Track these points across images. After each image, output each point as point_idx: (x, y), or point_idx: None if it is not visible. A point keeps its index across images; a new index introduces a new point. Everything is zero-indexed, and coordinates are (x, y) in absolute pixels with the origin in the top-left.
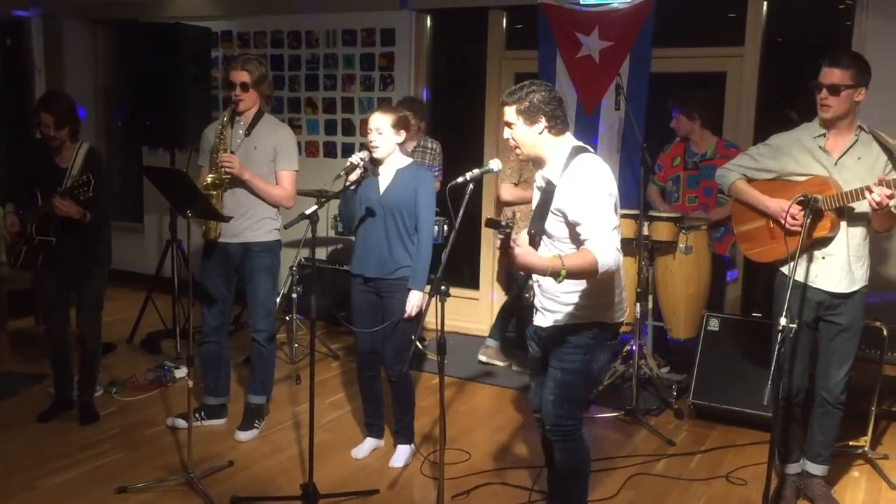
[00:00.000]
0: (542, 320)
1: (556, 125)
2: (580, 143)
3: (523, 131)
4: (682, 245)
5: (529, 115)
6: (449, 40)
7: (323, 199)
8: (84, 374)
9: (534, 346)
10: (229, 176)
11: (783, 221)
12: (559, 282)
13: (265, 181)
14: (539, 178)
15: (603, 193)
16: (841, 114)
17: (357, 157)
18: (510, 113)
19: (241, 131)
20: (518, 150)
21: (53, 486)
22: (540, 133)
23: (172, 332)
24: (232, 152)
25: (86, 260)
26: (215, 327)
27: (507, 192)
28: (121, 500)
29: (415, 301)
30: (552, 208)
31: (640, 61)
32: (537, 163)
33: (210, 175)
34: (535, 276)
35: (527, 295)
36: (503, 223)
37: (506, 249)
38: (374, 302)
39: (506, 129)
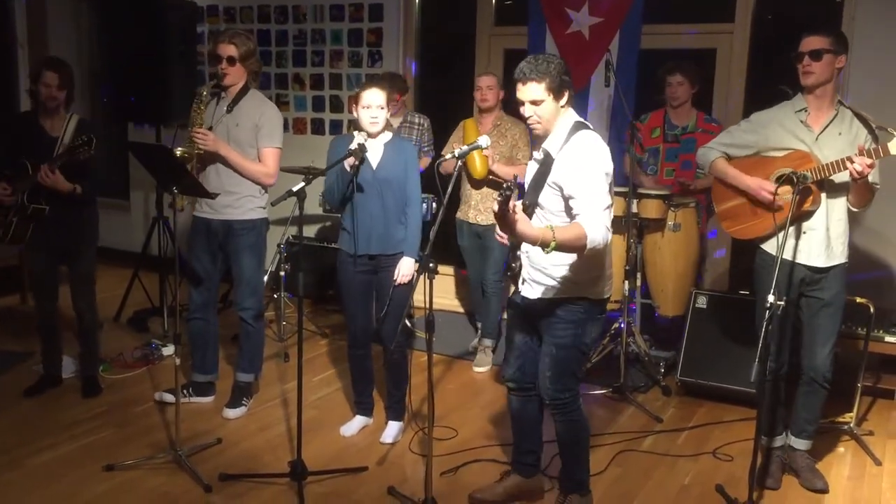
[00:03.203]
0: (529, 291)
1: (571, 97)
2: (581, 119)
3: (551, 107)
4: (670, 222)
5: (559, 91)
6: (437, 16)
7: (310, 177)
8: (85, 349)
9: (514, 317)
10: (201, 151)
11: (768, 198)
12: (547, 253)
13: (244, 157)
14: (538, 151)
15: (600, 171)
16: (823, 80)
17: (362, 138)
18: (538, 90)
19: (224, 107)
20: (537, 126)
21: (40, 464)
22: (562, 106)
23: (159, 309)
24: (210, 128)
25: (75, 234)
26: (201, 304)
27: (503, 170)
28: (108, 478)
29: (406, 267)
30: (549, 181)
31: (630, 37)
32: (545, 137)
33: (179, 148)
34: (524, 247)
35: (513, 265)
36: (505, 185)
37: (502, 212)
38: (368, 280)
39: (528, 106)
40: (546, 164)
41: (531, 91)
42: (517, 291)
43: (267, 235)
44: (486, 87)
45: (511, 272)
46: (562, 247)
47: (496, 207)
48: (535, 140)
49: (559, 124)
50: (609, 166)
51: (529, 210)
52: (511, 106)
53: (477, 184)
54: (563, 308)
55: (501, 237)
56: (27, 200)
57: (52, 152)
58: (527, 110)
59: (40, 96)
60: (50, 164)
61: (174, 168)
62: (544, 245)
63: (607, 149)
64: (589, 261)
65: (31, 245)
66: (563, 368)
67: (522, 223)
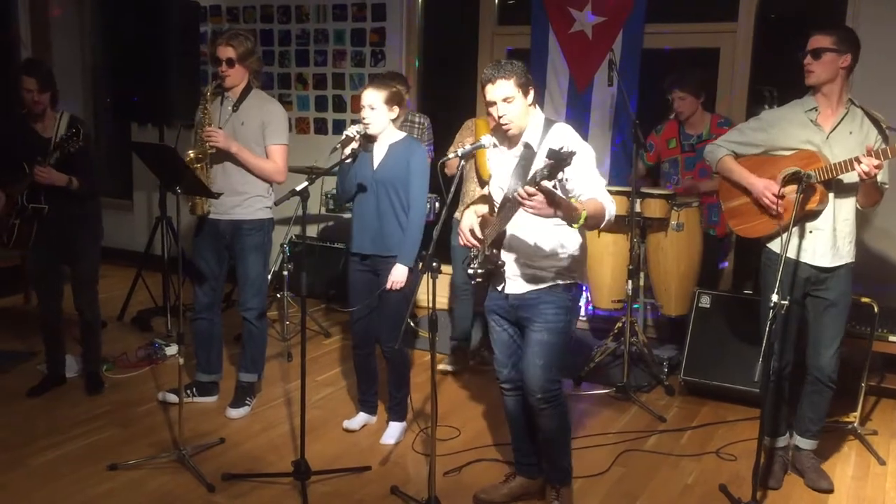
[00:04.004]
0: (516, 287)
1: (537, 93)
2: (548, 117)
3: (521, 104)
4: (673, 222)
5: (526, 87)
6: (440, 15)
7: (313, 176)
8: (87, 348)
9: (498, 319)
10: (213, 150)
11: (768, 204)
12: (576, 227)
13: (254, 155)
14: (516, 148)
15: (591, 154)
16: (825, 79)
17: (353, 130)
18: (509, 87)
19: (229, 107)
20: (510, 125)
21: (44, 463)
22: (530, 104)
23: (163, 309)
24: (220, 128)
25: (78, 233)
26: (207, 304)
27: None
28: (112, 478)
29: (398, 274)
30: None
31: (633, 37)
32: (516, 139)
33: (192, 150)
34: (509, 243)
35: (476, 270)
36: (566, 149)
37: (550, 189)
38: (371, 280)
39: (501, 105)
40: (528, 156)
41: (502, 88)
42: (497, 291)
43: (272, 236)
44: None
45: (481, 275)
46: (589, 219)
47: (534, 187)
48: (506, 141)
49: (531, 122)
50: (594, 152)
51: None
52: (461, 106)
53: (485, 183)
54: (554, 294)
55: (471, 241)
56: (26, 201)
57: (47, 153)
58: (500, 109)
59: (24, 102)
60: (39, 168)
61: (177, 167)
62: (576, 218)
63: None
64: (581, 247)
65: (35, 247)
66: (554, 355)
67: (559, 195)
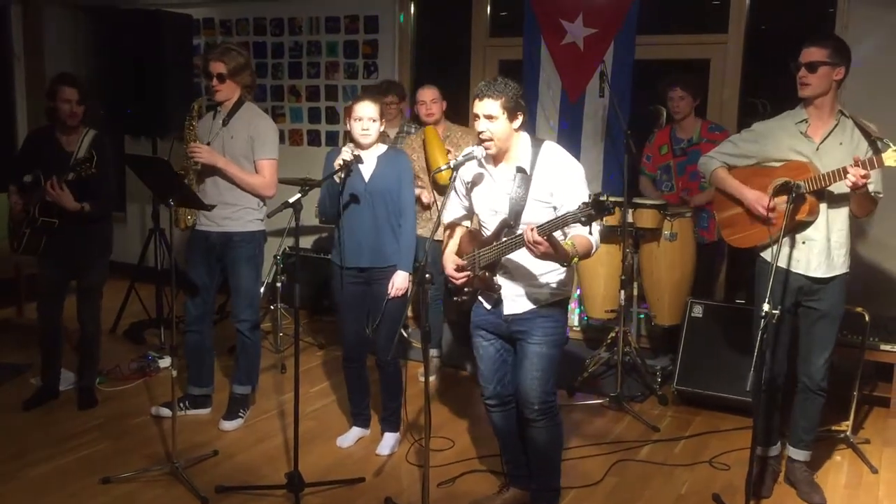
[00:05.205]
0: (515, 308)
1: (526, 120)
2: (534, 136)
3: (503, 125)
4: (666, 232)
5: (513, 111)
6: (433, 27)
7: (307, 188)
8: (84, 361)
9: (485, 334)
10: (198, 165)
11: (762, 214)
12: (569, 266)
13: (242, 169)
14: (505, 170)
15: (583, 177)
16: (820, 92)
17: (349, 154)
18: (493, 107)
19: (219, 121)
20: (490, 143)
21: (37, 476)
22: (516, 129)
23: (156, 321)
24: (207, 143)
25: (88, 248)
26: (197, 316)
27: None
28: (105, 491)
29: (401, 281)
30: (534, 197)
31: (625, 48)
32: (498, 157)
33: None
34: (504, 266)
35: (498, 286)
36: (608, 201)
37: (555, 241)
38: (362, 292)
39: (482, 121)
40: (524, 181)
41: (486, 106)
42: (489, 311)
43: (264, 248)
44: (431, 101)
45: (467, 293)
46: (580, 259)
47: (541, 236)
48: (489, 160)
49: (518, 144)
50: (583, 169)
51: (514, 227)
52: (455, 119)
53: (443, 190)
54: (550, 309)
55: (461, 278)
56: (38, 213)
57: (66, 167)
58: (481, 125)
59: (60, 113)
60: (57, 179)
61: (171, 180)
62: (568, 262)
63: None
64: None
65: (43, 254)
66: (552, 367)
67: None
